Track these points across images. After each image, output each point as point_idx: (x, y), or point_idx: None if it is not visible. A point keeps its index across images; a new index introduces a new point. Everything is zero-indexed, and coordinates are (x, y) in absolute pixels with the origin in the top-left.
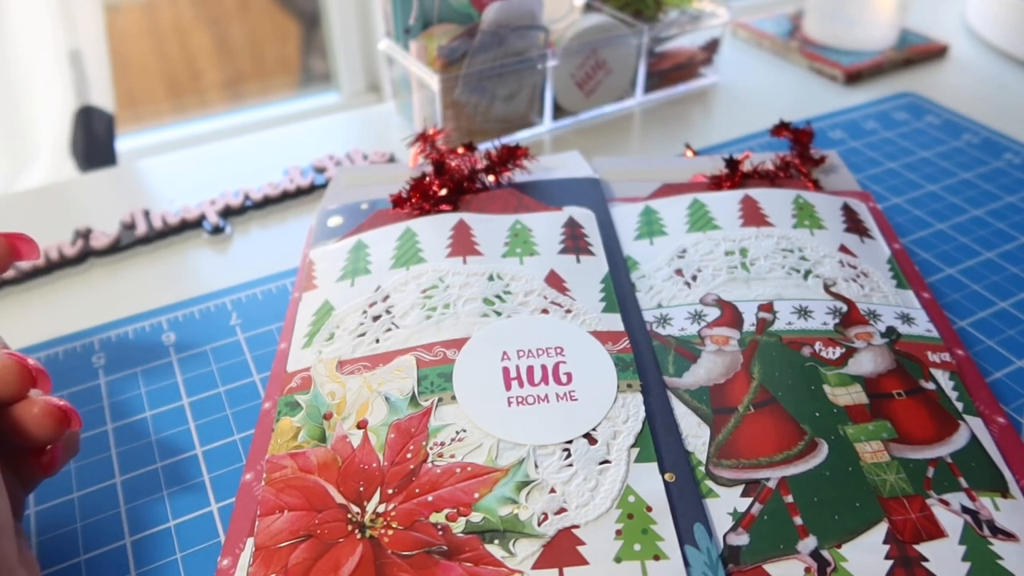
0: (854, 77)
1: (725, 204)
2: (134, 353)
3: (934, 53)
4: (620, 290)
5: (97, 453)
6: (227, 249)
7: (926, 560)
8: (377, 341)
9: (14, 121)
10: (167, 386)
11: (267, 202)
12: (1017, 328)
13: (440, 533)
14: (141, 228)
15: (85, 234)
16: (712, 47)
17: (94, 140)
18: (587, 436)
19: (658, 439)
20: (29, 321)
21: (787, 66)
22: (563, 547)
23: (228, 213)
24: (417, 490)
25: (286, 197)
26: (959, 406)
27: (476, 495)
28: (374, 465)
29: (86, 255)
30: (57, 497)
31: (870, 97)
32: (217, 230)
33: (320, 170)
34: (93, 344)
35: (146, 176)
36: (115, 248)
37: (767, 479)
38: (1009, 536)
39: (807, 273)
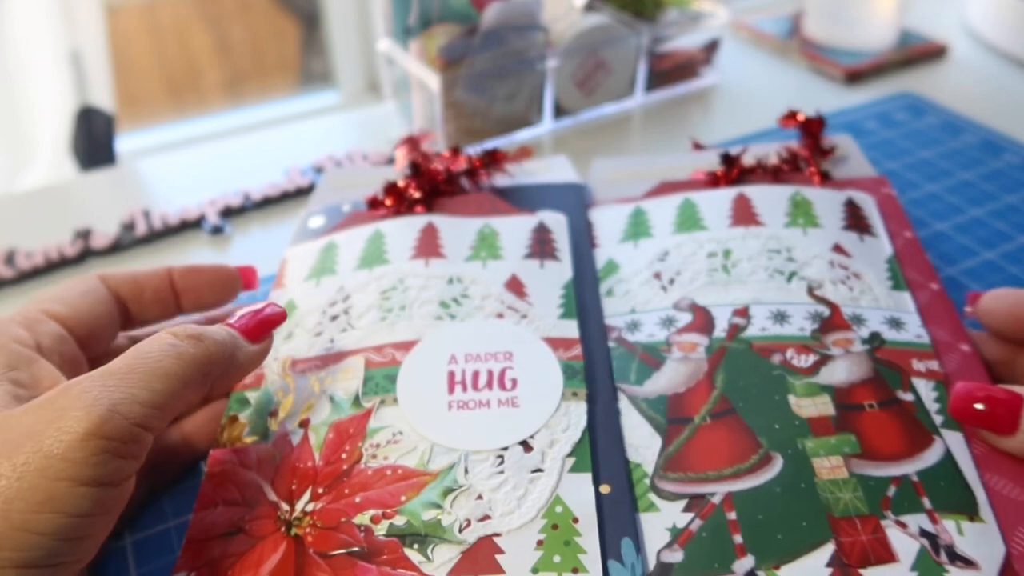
0: (854, 77)
1: (716, 203)
2: None
3: (934, 53)
4: (582, 297)
5: None
6: (227, 249)
7: None
8: (332, 341)
9: (14, 121)
10: None
11: (267, 202)
12: None
13: (362, 535)
14: (141, 228)
15: (85, 234)
16: (712, 47)
17: (94, 140)
18: (524, 443)
19: (598, 450)
20: None
21: (787, 66)
22: (481, 555)
23: (228, 213)
24: (347, 490)
25: (286, 197)
26: (938, 420)
27: (403, 498)
28: (309, 464)
29: (86, 255)
30: None
31: (870, 97)
32: (217, 230)
33: (320, 170)
34: None
35: (146, 176)
36: (115, 248)
37: (712, 494)
38: (968, 564)
39: (791, 275)
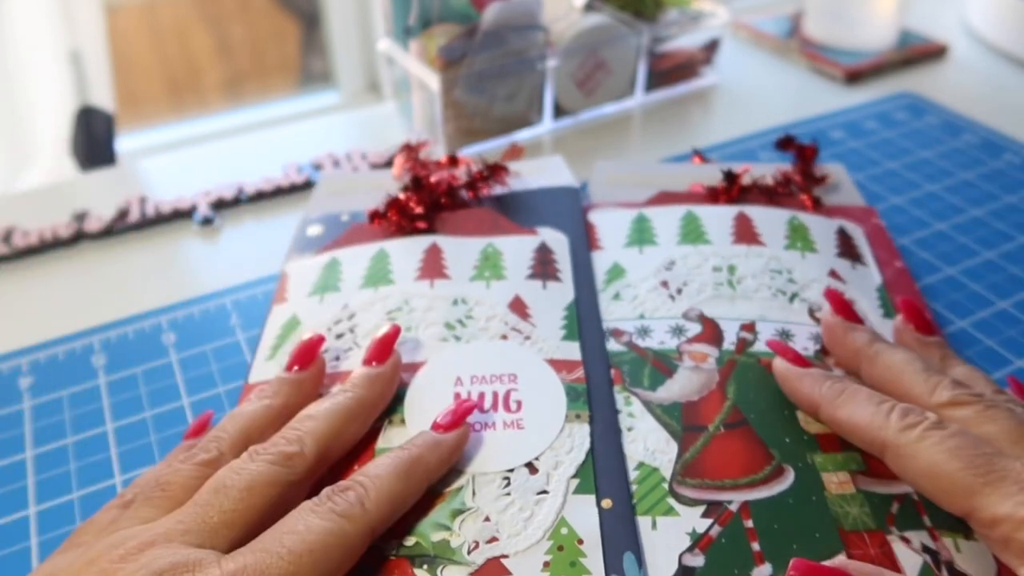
0: (854, 77)
1: (719, 219)
2: (134, 353)
3: (934, 53)
4: (583, 318)
5: (97, 453)
6: (216, 241)
7: None
8: (337, 359)
9: (14, 121)
10: (167, 386)
11: (261, 196)
12: (1017, 328)
13: (371, 554)
14: (135, 216)
15: (81, 217)
16: (712, 47)
17: (94, 140)
18: (529, 465)
19: (599, 469)
20: (24, 299)
21: (787, 66)
22: None
23: (221, 205)
24: None
25: (280, 192)
26: None
27: (411, 518)
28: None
29: (79, 237)
30: (57, 497)
31: (870, 97)
32: (207, 221)
33: (319, 167)
34: (93, 344)
35: (146, 176)
36: (108, 233)
37: (729, 502)
38: None
39: (793, 296)
